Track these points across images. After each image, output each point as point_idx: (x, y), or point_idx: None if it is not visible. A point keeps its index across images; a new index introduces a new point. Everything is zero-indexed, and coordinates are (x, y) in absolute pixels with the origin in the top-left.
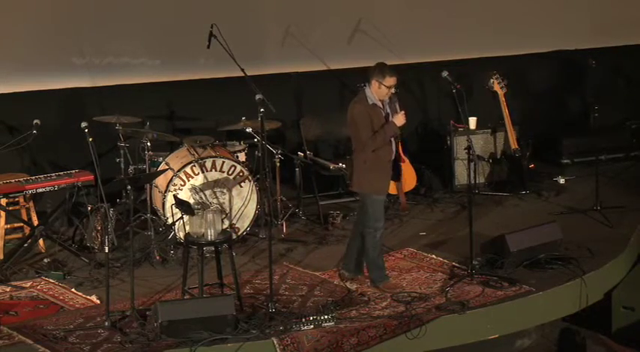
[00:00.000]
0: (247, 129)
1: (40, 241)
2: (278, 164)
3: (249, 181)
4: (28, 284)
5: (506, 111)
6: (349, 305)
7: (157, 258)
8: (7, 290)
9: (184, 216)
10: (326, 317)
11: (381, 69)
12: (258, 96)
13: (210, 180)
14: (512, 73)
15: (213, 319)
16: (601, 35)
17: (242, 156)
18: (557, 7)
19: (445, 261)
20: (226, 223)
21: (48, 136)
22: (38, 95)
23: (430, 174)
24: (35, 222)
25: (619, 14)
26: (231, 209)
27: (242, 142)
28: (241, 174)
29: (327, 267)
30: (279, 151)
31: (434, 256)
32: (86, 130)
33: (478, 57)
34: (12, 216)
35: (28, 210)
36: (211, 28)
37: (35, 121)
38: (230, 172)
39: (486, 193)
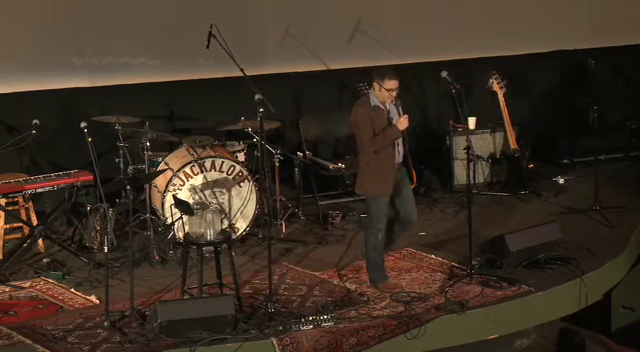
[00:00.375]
0: (247, 129)
1: (40, 241)
2: (277, 164)
3: (249, 181)
4: (28, 284)
5: (505, 111)
6: (348, 305)
7: (157, 258)
8: (7, 290)
9: (184, 216)
10: (325, 317)
11: (382, 72)
12: (257, 96)
13: (209, 180)
14: (511, 73)
15: (213, 319)
16: (600, 35)
17: (241, 156)
18: (556, 7)
19: (444, 261)
20: (225, 223)
21: (47, 136)
22: (38, 95)
23: (429, 174)
24: (34, 222)
25: (618, 14)
26: (230, 209)
27: (241, 142)
28: (240, 174)
29: (327, 267)
30: (278, 151)
31: (433, 256)
32: (85, 130)
33: (477, 57)
34: (11, 216)
35: (27, 210)
36: (210, 28)
37: (34, 121)
38: (229, 172)
39: (486, 193)
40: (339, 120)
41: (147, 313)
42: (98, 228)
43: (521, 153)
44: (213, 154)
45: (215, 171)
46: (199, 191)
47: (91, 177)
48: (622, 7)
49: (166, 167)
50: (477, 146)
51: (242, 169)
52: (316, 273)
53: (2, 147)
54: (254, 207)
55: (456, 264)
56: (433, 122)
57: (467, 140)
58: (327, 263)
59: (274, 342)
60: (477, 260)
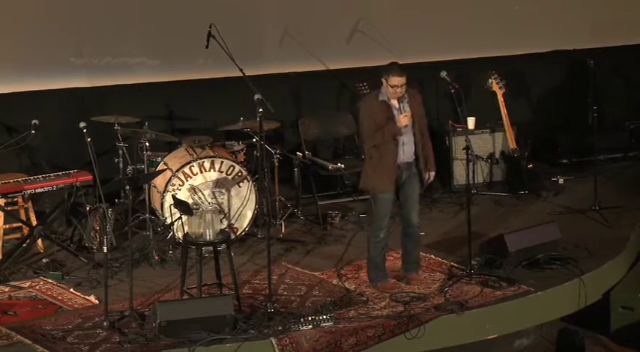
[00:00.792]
0: (246, 130)
1: (39, 241)
2: (277, 164)
3: (248, 181)
4: (27, 285)
5: (504, 111)
6: (348, 305)
7: (156, 258)
8: (6, 290)
9: (183, 216)
10: (324, 317)
11: (388, 68)
12: (256, 97)
13: (208, 180)
14: (510, 73)
15: (212, 319)
16: (600, 35)
17: (241, 156)
18: (556, 7)
19: (444, 260)
20: (225, 223)
21: (46, 136)
22: (37, 95)
23: None
24: (34, 222)
25: (618, 14)
26: (229, 209)
27: (241, 142)
28: (240, 174)
29: (326, 267)
30: (277, 151)
31: (432, 256)
32: (85, 130)
33: (477, 57)
34: (10, 216)
35: (26, 210)
36: (210, 28)
37: (34, 121)
38: (229, 172)
39: (485, 193)
40: (338, 121)
41: (146, 313)
42: (97, 228)
43: (520, 153)
44: (212, 154)
45: (214, 171)
46: (199, 191)
47: (90, 177)
48: (621, 7)
49: (165, 167)
50: (476, 146)
51: (241, 169)
52: (315, 273)
53: (2, 147)
54: (253, 207)
55: (455, 264)
56: (432, 122)
57: (466, 140)
58: (327, 263)
59: (273, 342)
60: (477, 260)
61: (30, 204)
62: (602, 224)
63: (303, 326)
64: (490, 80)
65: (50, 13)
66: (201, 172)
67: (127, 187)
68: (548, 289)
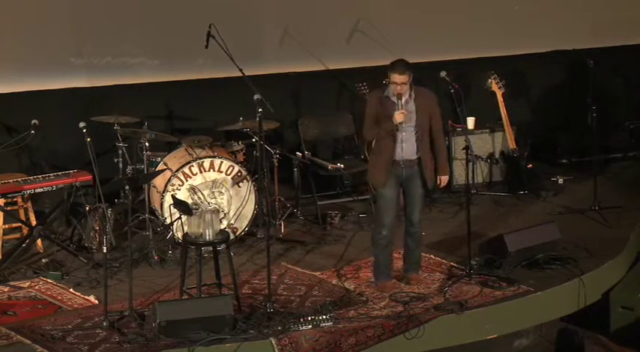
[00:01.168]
0: (245, 130)
1: (39, 241)
2: (276, 164)
3: (248, 181)
4: (27, 285)
5: (504, 112)
6: (347, 305)
7: (155, 258)
8: (6, 290)
9: (182, 216)
10: (324, 317)
11: (392, 65)
12: (256, 97)
13: (208, 180)
14: (510, 73)
15: (212, 319)
16: (599, 35)
17: (240, 156)
18: (555, 7)
19: (443, 260)
20: (224, 223)
21: (46, 136)
22: (36, 95)
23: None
24: (33, 222)
25: (618, 14)
26: (229, 209)
27: (240, 142)
28: (239, 174)
29: (326, 267)
30: (277, 151)
31: (432, 256)
32: (84, 130)
33: (476, 57)
34: (10, 216)
35: (26, 210)
36: (209, 28)
37: (33, 121)
38: (228, 172)
39: (484, 193)
40: (338, 121)
41: (146, 313)
42: (97, 228)
43: (520, 153)
44: (212, 154)
45: (214, 171)
46: (198, 191)
47: (90, 177)
48: (621, 7)
49: (165, 167)
50: (475, 146)
51: (241, 169)
52: (315, 273)
53: (1, 147)
54: (253, 207)
55: (455, 264)
56: None
57: (466, 140)
58: (326, 263)
59: (273, 342)
60: (476, 260)
61: (29, 204)
62: (602, 224)
63: (302, 326)
64: (490, 80)
65: (50, 13)
66: (201, 172)
67: (127, 187)
68: (547, 289)
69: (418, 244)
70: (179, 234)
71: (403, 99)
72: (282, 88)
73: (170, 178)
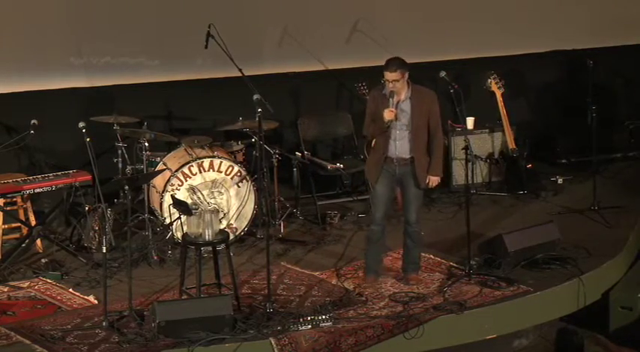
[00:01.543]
0: (245, 129)
1: (38, 241)
2: (276, 164)
3: (247, 181)
4: (26, 285)
5: (503, 112)
6: (347, 305)
7: (155, 258)
8: (5, 290)
9: (182, 216)
10: (324, 317)
11: (385, 62)
12: (255, 97)
13: (207, 180)
14: (509, 73)
15: (211, 319)
16: (599, 35)
17: (240, 157)
18: (555, 7)
19: (443, 261)
20: (224, 223)
21: (45, 136)
22: (36, 95)
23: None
24: (33, 222)
25: (617, 14)
26: (228, 209)
27: (240, 142)
28: (239, 174)
29: (325, 267)
30: (276, 151)
31: (432, 256)
32: (84, 130)
33: (476, 57)
34: (10, 216)
35: (25, 210)
36: (209, 28)
37: (33, 121)
38: (228, 172)
39: (484, 193)
40: (337, 121)
41: (145, 313)
42: (96, 228)
43: (519, 153)
44: (211, 154)
45: (213, 171)
46: (198, 191)
47: (89, 177)
48: (621, 7)
49: (165, 167)
50: (475, 146)
51: (240, 169)
52: (315, 273)
53: (1, 147)
54: (252, 207)
55: (454, 264)
56: None
57: (465, 140)
58: (326, 263)
59: (272, 342)
60: (476, 260)
61: (29, 204)
62: (602, 224)
63: (302, 326)
64: (489, 80)
65: (49, 13)
66: (201, 172)
67: (126, 187)
68: (547, 289)
69: (416, 244)
70: (178, 234)
71: (400, 98)
72: (282, 88)
73: (170, 178)
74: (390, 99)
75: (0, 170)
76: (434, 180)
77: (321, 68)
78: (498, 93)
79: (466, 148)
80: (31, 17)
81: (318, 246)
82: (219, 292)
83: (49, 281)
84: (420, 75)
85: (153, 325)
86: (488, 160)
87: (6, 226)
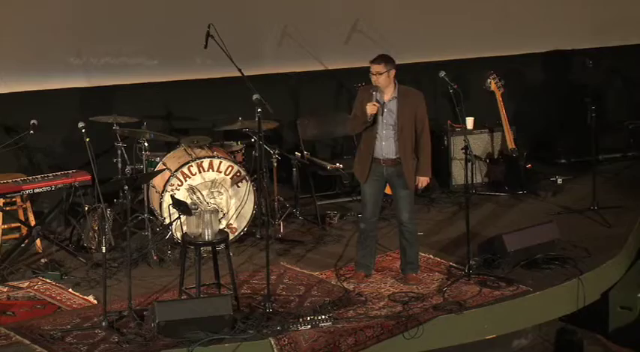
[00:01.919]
0: (244, 130)
1: (37, 241)
2: (275, 164)
3: (247, 181)
4: (26, 285)
5: (503, 111)
6: (346, 305)
7: (154, 258)
8: (5, 290)
9: (182, 216)
10: (323, 317)
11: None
12: (255, 97)
13: (207, 180)
14: (509, 73)
15: (211, 319)
16: (598, 35)
17: (239, 157)
18: (554, 7)
19: (442, 260)
20: (223, 223)
21: (45, 136)
22: (35, 95)
23: None
24: (32, 223)
25: (616, 14)
26: (228, 209)
27: (239, 142)
28: (238, 174)
29: (325, 267)
30: (276, 151)
31: (431, 256)
32: (83, 130)
33: (475, 57)
34: (9, 216)
35: (25, 210)
36: (208, 28)
37: (32, 121)
38: (227, 172)
39: (483, 193)
40: (337, 121)
41: (145, 313)
42: (96, 228)
43: (518, 153)
44: (211, 154)
45: (213, 171)
46: (197, 191)
47: (88, 177)
48: (620, 7)
49: (164, 167)
50: (474, 146)
51: (240, 169)
52: (314, 273)
53: (0, 147)
54: (252, 207)
55: (453, 264)
56: (431, 122)
57: (465, 140)
58: (325, 263)
59: (272, 342)
60: (475, 260)
61: (28, 204)
62: (601, 224)
63: (301, 326)
64: (489, 80)
65: (49, 14)
66: (200, 172)
67: (126, 187)
68: (546, 289)
69: (411, 243)
70: (178, 234)
71: (385, 98)
72: (281, 87)
73: (169, 178)
74: (374, 93)
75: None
76: (423, 181)
77: (321, 68)
78: (498, 93)
79: (466, 148)
80: (31, 17)
81: (318, 245)
82: (219, 292)
83: (48, 281)
84: (420, 75)
85: (152, 325)
86: (487, 160)
87: (5, 226)
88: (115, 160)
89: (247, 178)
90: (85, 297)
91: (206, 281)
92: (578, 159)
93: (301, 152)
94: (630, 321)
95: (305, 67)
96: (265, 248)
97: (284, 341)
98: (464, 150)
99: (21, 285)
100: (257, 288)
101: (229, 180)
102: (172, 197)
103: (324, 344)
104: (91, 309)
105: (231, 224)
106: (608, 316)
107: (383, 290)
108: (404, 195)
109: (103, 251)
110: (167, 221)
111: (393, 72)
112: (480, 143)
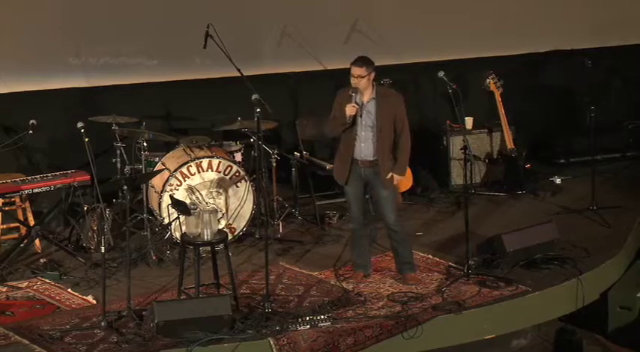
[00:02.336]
0: (244, 130)
1: (37, 241)
2: (274, 164)
3: (246, 181)
4: (25, 285)
5: (502, 111)
6: (345, 305)
7: (154, 258)
8: (4, 290)
9: (181, 216)
10: (322, 317)
11: (355, 59)
12: (254, 97)
13: (206, 180)
14: (508, 73)
15: (210, 319)
16: (598, 35)
17: (238, 157)
18: (554, 7)
19: (441, 260)
20: (222, 223)
21: (44, 136)
22: (34, 95)
23: (426, 174)
24: (31, 223)
25: (616, 14)
26: (227, 209)
27: (238, 142)
28: (237, 174)
29: (324, 267)
30: (275, 151)
31: (430, 256)
32: (82, 130)
33: (474, 57)
34: (8, 216)
35: (24, 210)
36: (207, 28)
37: (31, 121)
38: (226, 172)
39: (482, 193)
40: None
41: (144, 313)
42: (95, 228)
43: (518, 153)
44: (210, 154)
45: (212, 171)
46: (196, 191)
47: (88, 177)
48: (620, 7)
49: (163, 167)
50: (473, 146)
51: (239, 169)
52: (313, 273)
53: None
54: (251, 207)
55: (453, 264)
56: (430, 122)
57: (464, 140)
58: (324, 263)
59: (271, 342)
60: (474, 260)
61: (28, 204)
62: (600, 224)
63: (300, 326)
64: (488, 80)
65: (48, 14)
66: (199, 172)
67: (125, 187)
68: (545, 289)
69: (402, 244)
70: (177, 234)
71: (364, 99)
72: (281, 87)
73: (168, 178)
74: (353, 95)
75: None
76: (397, 179)
77: (320, 68)
78: (497, 93)
79: (465, 148)
80: (30, 17)
81: (317, 246)
82: (218, 292)
83: (47, 281)
84: (419, 75)
85: (151, 325)
86: (486, 160)
87: (5, 226)
88: (114, 160)
89: (246, 178)
90: (84, 297)
91: (205, 281)
92: (578, 159)
93: (300, 152)
94: (629, 321)
95: (304, 67)
96: (264, 248)
97: (283, 341)
98: (463, 150)
99: (20, 285)
100: (256, 288)
101: (228, 180)
102: (171, 197)
103: (323, 344)
104: (90, 309)
105: (231, 224)
106: (608, 316)
107: (382, 290)
108: (384, 195)
109: (102, 251)
110: (166, 221)
111: (373, 74)
112: (479, 143)
